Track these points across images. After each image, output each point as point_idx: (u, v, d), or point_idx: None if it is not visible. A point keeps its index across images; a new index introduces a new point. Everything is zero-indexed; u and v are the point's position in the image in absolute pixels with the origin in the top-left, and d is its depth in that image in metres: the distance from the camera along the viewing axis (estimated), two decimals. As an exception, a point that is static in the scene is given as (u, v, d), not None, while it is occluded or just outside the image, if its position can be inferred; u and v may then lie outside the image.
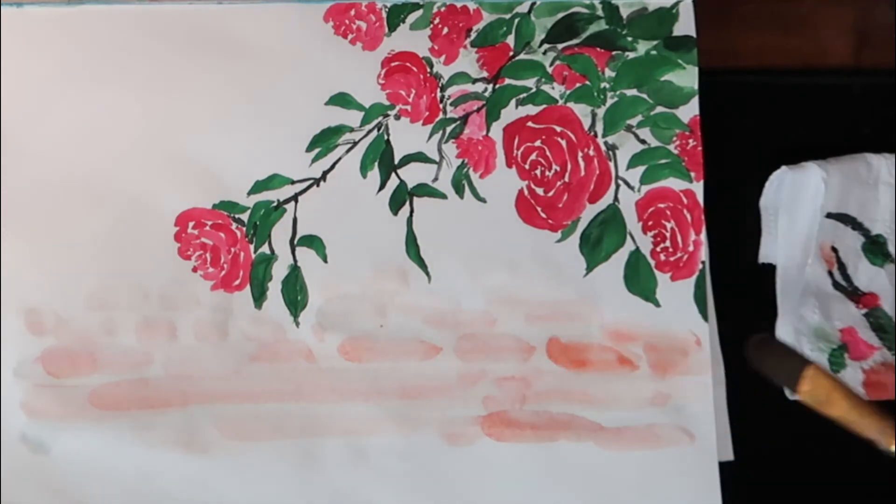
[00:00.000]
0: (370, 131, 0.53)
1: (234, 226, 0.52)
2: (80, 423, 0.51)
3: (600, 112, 0.53)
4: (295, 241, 0.52)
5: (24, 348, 0.51)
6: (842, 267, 0.52)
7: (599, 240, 0.52)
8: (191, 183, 0.52)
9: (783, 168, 0.52)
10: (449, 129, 0.53)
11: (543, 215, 0.52)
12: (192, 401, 0.51)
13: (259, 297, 0.52)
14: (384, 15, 0.53)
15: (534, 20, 0.53)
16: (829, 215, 0.52)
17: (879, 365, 0.52)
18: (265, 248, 0.52)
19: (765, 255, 0.53)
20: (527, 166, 0.53)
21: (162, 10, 0.53)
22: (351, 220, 0.52)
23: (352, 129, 0.53)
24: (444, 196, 0.53)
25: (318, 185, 0.52)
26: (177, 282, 0.52)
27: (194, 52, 0.53)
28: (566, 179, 0.53)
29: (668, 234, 0.52)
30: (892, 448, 0.42)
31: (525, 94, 0.53)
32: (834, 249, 0.52)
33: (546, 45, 0.53)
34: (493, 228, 0.52)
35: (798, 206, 0.53)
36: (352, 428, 0.51)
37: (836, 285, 0.52)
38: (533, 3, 0.53)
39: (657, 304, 0.52)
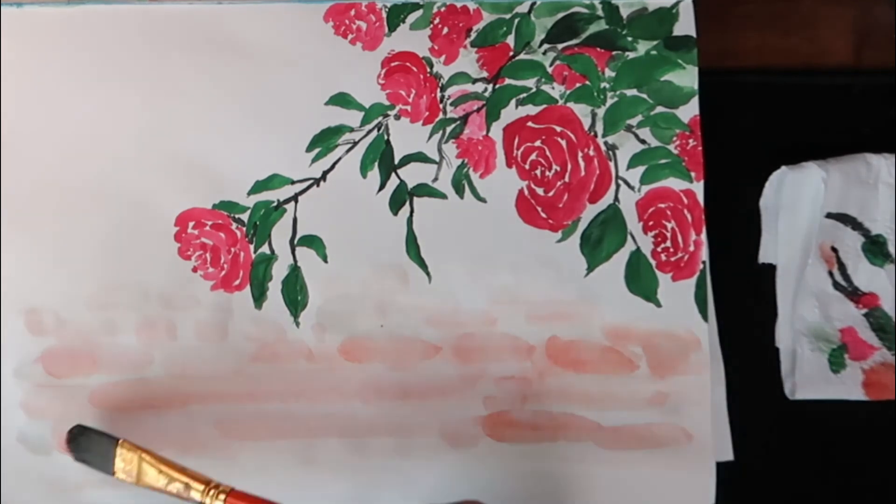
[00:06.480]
0: (370, 131, 0.53)
1: (234, 226, 0.52)
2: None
3: (600, 112, 0.53)
4: (295, 241, 0.52)
5: (24, 348, 0.51)
6: (842, 267, 0.52)
7: (600, 240, 0.52)
8: (191, 183, 0.52)
9: (783, 168, 0.52)
10: (449, 129, 0.53)
11: (544, 215, 0.52)
12: (192, 401, 0.51)
13: (259, 297, 0.52)
14: (384, 15, 0.53)
15: (534, 20, 0.53)
16: (829, 215, 0.52)
17: (879, 365, 0.52)
18: (265, 248, 0.52)
19: (765, 255, 0.53)
20: (527, 166, 0.53)
21: (162, 10, 0.53)
22: (351, 220, 0.52)
23: (352, 129, 0.53)
24: (444, 196, 0.53)
25: (318, 185, 0.52)
26: (177, 282, 0.52)
27: (194, 52, 0.53)
28: (566, 179, 0.53)
29: (668, 235, 0.52)
30: (199, 496, 0.45)
31: (525, 94, 0.53)
32: (834, 249, 0.52)
33: (546, 45, 0.53)
34: (493, 228, 0.52)
35: (798, 206, 0.53)
36: (352, 428, 0.51)
37: (836, 285, 0.52)
38: (533, 3, 0.53)
39: (658, 305, 0.52)
